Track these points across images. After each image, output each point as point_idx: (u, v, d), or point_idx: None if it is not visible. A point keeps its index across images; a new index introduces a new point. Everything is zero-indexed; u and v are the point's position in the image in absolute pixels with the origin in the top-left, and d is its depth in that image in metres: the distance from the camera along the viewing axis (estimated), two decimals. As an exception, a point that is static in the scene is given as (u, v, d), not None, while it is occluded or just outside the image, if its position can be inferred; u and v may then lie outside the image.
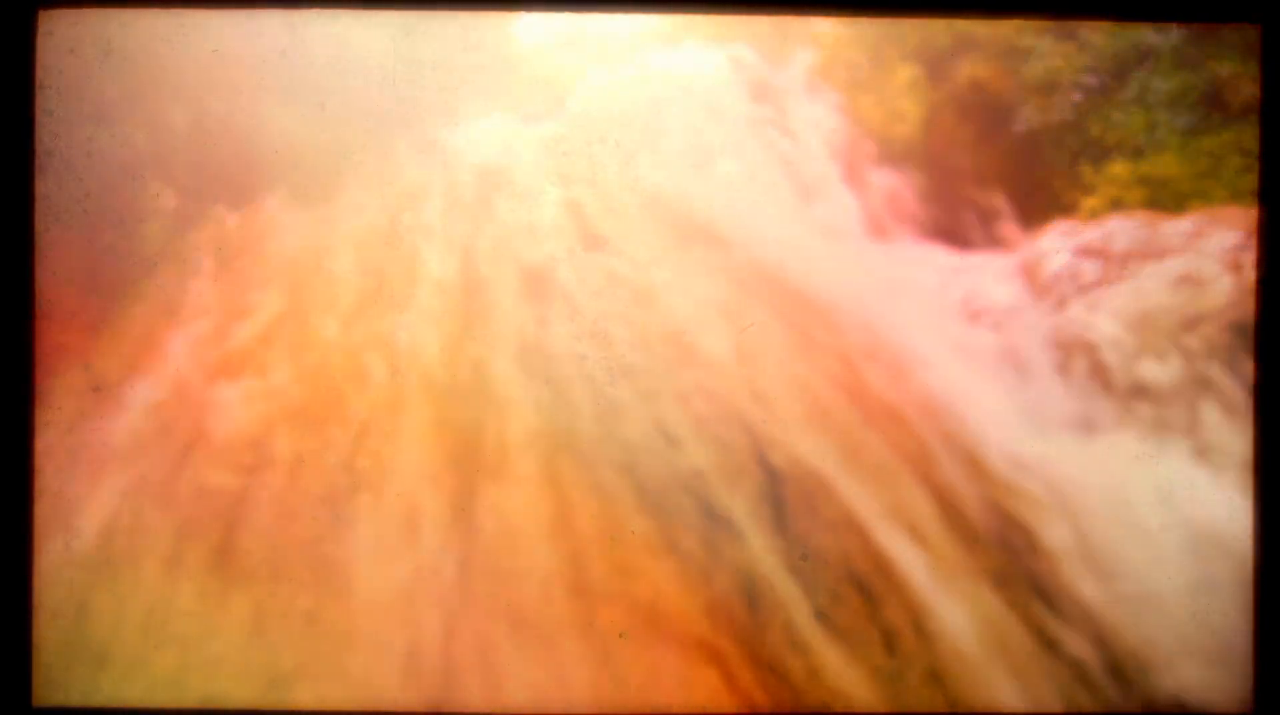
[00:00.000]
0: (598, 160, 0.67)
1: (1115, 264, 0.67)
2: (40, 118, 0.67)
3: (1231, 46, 0.68)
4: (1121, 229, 0.68)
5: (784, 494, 0.66)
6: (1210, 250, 0.68)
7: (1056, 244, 0.67)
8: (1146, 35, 0.68)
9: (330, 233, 0.67)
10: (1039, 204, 0.67)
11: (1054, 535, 0.66)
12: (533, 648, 0.66)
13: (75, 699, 0.66)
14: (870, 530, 0.66)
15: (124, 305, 0.66)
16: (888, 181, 0.67)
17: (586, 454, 0.66)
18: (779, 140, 0.67)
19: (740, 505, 0.66)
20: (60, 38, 0.67)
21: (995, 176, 0.67)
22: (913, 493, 0.66)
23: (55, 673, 0.66)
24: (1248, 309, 0.67)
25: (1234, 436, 0.67)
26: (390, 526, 0.66)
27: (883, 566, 0.66)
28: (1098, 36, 0.68)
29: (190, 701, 0.66)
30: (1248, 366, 0.67)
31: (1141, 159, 0.68)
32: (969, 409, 0.67)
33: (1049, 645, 0.66)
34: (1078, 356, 0.67)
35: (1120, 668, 0.66)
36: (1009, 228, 0.67)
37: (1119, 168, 0.67)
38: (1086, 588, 0.66)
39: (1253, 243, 0.67)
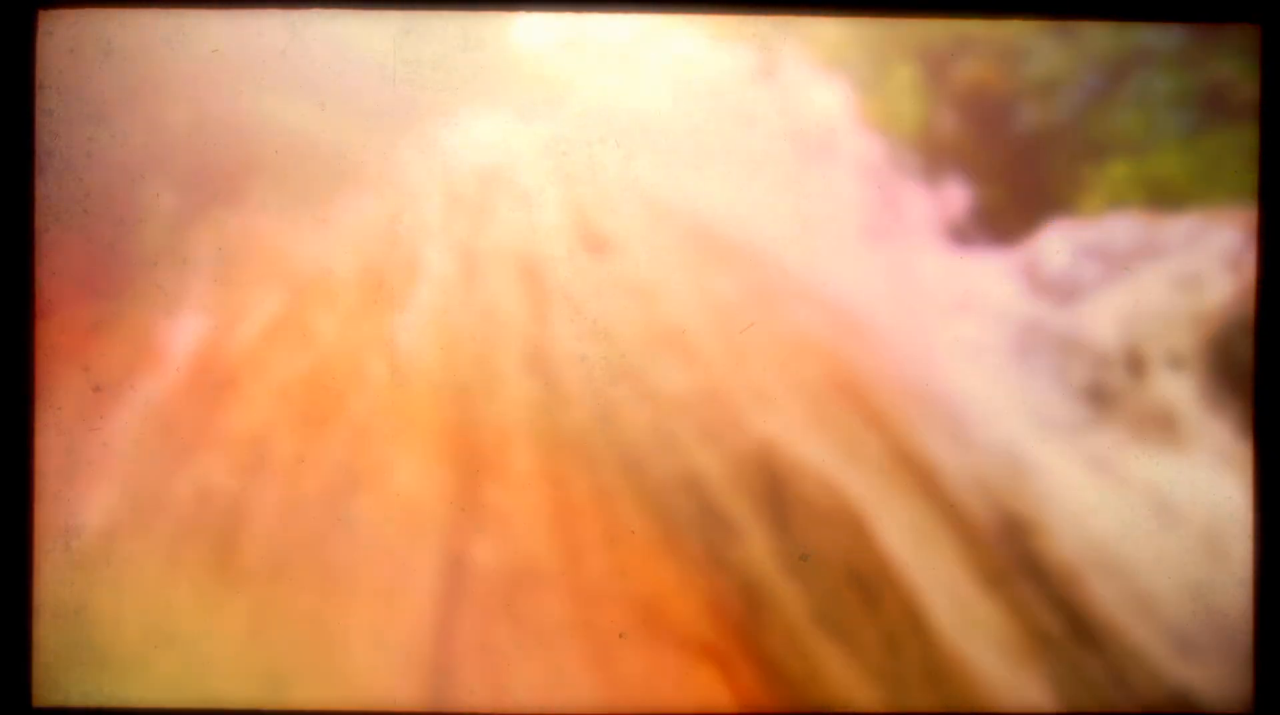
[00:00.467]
0: (598, 160, 0.67)
1: (1115, 264, 0.68)
2: (40, 118, 0.67)
3: (1231, 46, 0.68)
4: (1121, 229, 0.68)
5: (784, 494, 0.66)
6: (1210, 250, 0.68)
7: (1056, 244, 0.67)
8: (1146, 35, 0.68)
9: (330, 232, 0.67)
10: (1039, 204, 0.67)
11: (1054, 535, 0.66)
12: (533, 648, 0.66)
13: (75, 699, 0.66)
14: (870, 530, 0.66)
15: (124, 305, 0.66)
16: (888, 181, 0.67)
17: (587, 454, 0.66)
18: (779, 140, 0.67)
19: (740, 505, 0.66)
20: (60, 38, 0.67)
21: (995, 176, 0.67)
22: (912, 493, 0.66)
23: (55, 673, 0.66)
24: (1248, 309, 0.67)
25: (1234, 436, 0.67)
26: (390, 526, 0.66)
27: (883, 566, 0.66)
28: (1098, 36, 0.68)
29: (190, 701, 0.66)
30: (1247, 366, 0.67)
31: (1141, 159, 0.68)
32: (969, 408, 0.67)
33: (1049, 645, 0.66)
34: (1078, 356, 0.67)
35: (1120, 667, 0.66)
36: (1009, 227, 0.67)
37: (1119, 168, 0.68)
38: (1086, 588, 0.66)
39: (1252, 243, 0.67)
